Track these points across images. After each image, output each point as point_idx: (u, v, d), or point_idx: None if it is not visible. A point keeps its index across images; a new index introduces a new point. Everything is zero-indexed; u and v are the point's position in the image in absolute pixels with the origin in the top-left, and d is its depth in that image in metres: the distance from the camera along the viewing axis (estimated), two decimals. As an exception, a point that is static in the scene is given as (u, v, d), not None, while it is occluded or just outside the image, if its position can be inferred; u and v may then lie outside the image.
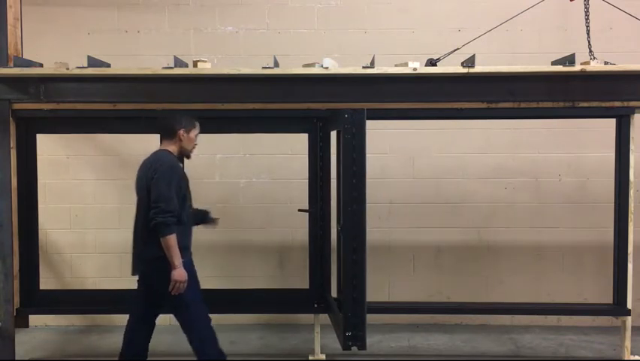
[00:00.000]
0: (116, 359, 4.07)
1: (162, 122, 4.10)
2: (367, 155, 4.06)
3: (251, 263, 5.91)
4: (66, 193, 5.86)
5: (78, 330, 5.79)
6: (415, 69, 4.37)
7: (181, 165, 4.09)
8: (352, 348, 4.12)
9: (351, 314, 4.07)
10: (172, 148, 4.01)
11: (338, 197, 4.66)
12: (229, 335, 5.46)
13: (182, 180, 3.90)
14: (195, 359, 3.92)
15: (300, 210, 4.91)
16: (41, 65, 4.51)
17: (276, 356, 5.01)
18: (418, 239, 5.88)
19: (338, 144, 4.62)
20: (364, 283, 4.07)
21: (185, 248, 3.87)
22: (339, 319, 4.31)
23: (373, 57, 4.45)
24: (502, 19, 4.92)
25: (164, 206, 3.72)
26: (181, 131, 3.99)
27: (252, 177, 5.87)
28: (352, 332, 4.08)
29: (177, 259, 3.74)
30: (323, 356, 4.88)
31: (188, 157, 4.15)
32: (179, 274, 3.74)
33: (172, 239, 3.72)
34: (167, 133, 4.03)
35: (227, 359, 4.02)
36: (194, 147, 4.12)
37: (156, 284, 3.84)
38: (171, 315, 3.96)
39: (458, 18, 5.78)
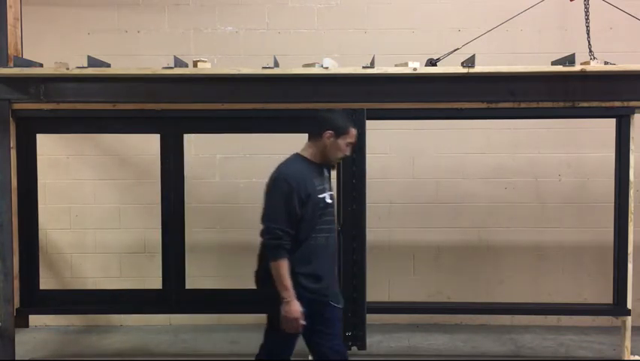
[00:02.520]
0: (117, 359, 4.06)
1: (315, 117, 3.42)
2: (367, 155, 4.06)
3: (251, 263, 5.82)
4: (66, 193, 5.85)
5: (78, 330, 5.78)
6: (415, 69, 4.36)
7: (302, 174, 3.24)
8: (352, 348, 4.12)
9: (351, 314, 4.07)
10: (310, 151, 3.31)
11: (338, 197, 4.66)
12: (230, 334, 5.47)
13: (297, 195, 3.11)
14: (193, 358, 3.92)
15: None
16: (41, 65, 4.50)
17: (276, 356, 5.00)
18: (418, 239, 5.88)
19: (338, 144, 4.60)
20: (364, 283, 4.07)
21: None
22: (339, 319, 4.30)
23: (373, 57, 4.45)
24: (502, 19, 4.92)
25: (267, 225, 3.15)
26: (327, 133, 3.24)
27: (252, 177, 5.84)
28: (352, 332, 4.08)
29: (285, 291, 3.08)
30: (323, 356, 4.86)
31: (333, 167, 3.44)
32: (288, 310, 3.09)
33: (279, 266, 3.08)
34: (313, 131, 3.34)
35: (227, 359, 4.02)
36: (342, 158, 3.38)
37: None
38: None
39: (458, 18, 5.77)
